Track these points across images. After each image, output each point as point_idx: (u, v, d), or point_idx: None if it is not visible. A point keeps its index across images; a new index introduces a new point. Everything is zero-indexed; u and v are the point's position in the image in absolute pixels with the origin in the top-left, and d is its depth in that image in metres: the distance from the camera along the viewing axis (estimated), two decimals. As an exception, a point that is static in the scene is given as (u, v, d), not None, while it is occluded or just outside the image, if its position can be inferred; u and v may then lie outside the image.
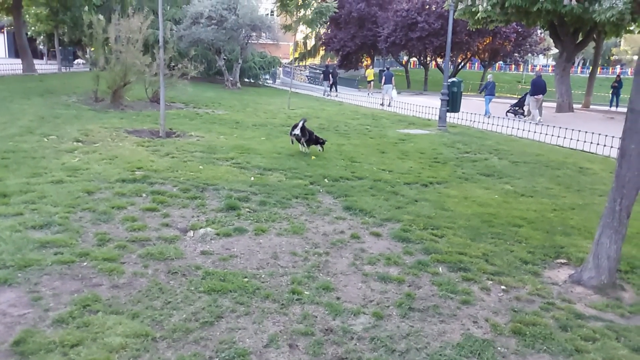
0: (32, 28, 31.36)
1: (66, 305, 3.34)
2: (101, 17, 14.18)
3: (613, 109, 25.38)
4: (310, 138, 9.00)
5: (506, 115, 18.38)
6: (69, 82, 19.65)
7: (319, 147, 9.11)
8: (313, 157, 8.68)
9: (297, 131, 8.84)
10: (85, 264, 3.97)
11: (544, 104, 18.77)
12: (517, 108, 19.36)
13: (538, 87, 17.92)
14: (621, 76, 28.69)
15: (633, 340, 3.45)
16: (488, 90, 19.65)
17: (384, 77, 22.30)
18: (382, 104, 21.17)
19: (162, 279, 3.83)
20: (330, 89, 27.25)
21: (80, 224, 4.78)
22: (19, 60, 24.78)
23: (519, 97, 21.22)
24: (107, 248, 4.31)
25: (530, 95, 18.26)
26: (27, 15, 29.03)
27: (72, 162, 7.08)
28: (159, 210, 5.40)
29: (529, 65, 46.17)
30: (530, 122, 15.28)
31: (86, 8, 22.56)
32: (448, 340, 3.30)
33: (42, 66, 27.70)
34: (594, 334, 3.48)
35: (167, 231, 4.85)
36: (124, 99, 14.18)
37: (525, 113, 18.81)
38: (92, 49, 15.87)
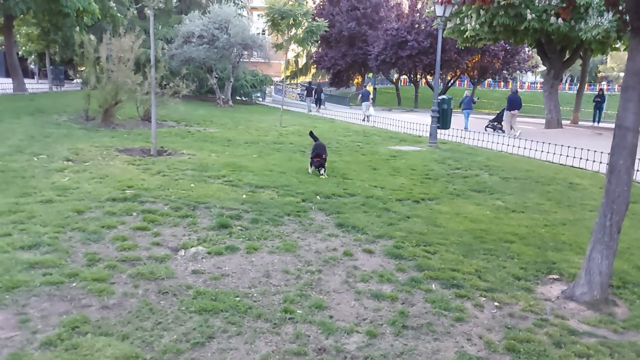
0: (23, 48, 31.38)
1: (55, 327, 3.28)
2: (92, 37, 14.22)
3: (595, 124, 25.62)
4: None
5: (485, 130, 18.90)
6: (60, 101, 19.58)
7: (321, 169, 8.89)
8: (323, 177, 8.66)
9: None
10: (74, 284, 3.91)
11: (532, 120, 19.09)
12: (495, 123, 20.02)
13: (514, 103, 18.72)
14: (604, 92, 28.92)
15: (626, 356, 3.44)
16: (465, 104, 20.45)
17: (360, 95, 23.19)
18: (364, 120, 22.16)
19: (152, 299, 3.78)
20: (317, 105, 28.56)
21: (69, 244, 4.73)
22: (9, 80, 24.70)
23: (497, 112, 21.85)
24: (97, 268, 4.25)
25: (507, 110, 18.91)
26: (18, 35, 29.05)
27: (62, 182, 7.03)
28: (149, 229, 5.36)
29: (518, 82, 46.79)
30: (509, 137, 15.57)
31: (77, 28, 22.61)
32: (442, 359, 3.28)
33: (33, 85, 27.62)
34: (588, 350, 3.47)
35: (158, 250, 4.81)
36: (115, 118, 14.16)
37: (504, 128, 19.25)
38: (84, 68, 15.88)
